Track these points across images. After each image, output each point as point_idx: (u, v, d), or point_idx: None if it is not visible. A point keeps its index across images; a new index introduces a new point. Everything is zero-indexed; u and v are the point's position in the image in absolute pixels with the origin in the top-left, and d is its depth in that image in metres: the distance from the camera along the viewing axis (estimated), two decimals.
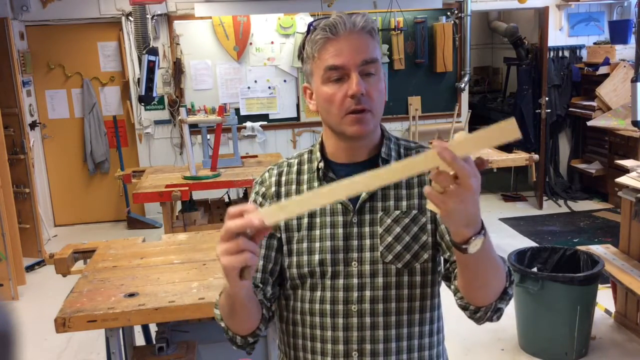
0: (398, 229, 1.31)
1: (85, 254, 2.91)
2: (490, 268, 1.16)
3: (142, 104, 4.86)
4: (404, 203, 1.32)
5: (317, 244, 1.33)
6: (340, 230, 1.32)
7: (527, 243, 5.23)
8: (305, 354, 1.37)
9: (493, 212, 6.24)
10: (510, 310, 3.67)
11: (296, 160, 1.42)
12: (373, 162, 1.33)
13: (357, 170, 1.31)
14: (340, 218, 1.33)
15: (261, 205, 1.40)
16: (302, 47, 1.34)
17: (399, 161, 1.04)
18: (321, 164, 1.35)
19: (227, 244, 1.03)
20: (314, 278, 1.33)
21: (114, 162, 6.37)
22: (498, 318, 1.27)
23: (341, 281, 1.32)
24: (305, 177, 1.38)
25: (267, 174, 1.43)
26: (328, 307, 1.32)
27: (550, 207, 6.44)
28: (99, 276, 2.48)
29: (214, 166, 4.49)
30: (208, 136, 4.82)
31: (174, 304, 2.20)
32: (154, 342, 2.44)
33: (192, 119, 4.52)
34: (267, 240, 1.37)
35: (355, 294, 1.31)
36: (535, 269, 3.52)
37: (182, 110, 4.47)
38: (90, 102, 6.26)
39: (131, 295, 2.27)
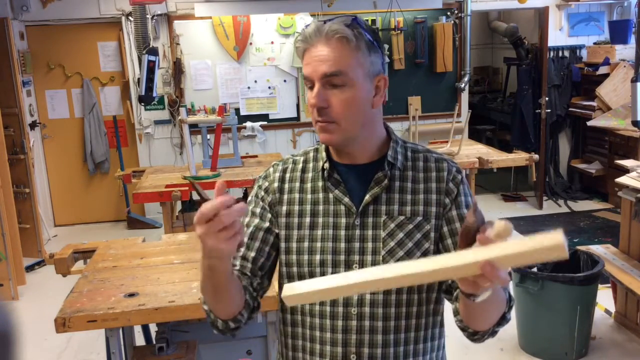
0: (401, 235, 1.30)
1: (85, 254, 2.91)
2: (494, 308, 1.21)
3: (142, 104, 4.86)
4: (409, 208, 1.31)
5: (319, 244, 1.33)
6: (343, 232, 1.32)
7: None
8: (304, 354, 1.37)
9: (493, 212, 6.24)
10: None
11: (302, 158, 1.42)
12: (379, 164, 1.33)
13: (362, 172, 1.32)
14: (343, 220, 1.32)
15: (263, 200, 1.40)
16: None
17: (432, 260, 0.99)
18: (326, 165, 1.35)
19: (217, 225, 1.01)
20: (312, 278, 1.33)
21: (114, 162, 6.37)
22: (494, 336, 1.31)
23: None
24: (310, 175, 1.38)
25: (271, 169, 1.43)
26: (328, 308, 1.32)
27: (550, 207, 6.44)
28: (99, 276, 2.48)
29: (214, 166, 4.49)
30: (208, 136, 4.82)
31: (174, 304, 2.20)
32: (154, 342, 2.44)
33: (192, 119, 4.52)
34: (264, 234, 1.37)
35: (355, 297, 1.30)
36: (535, 269, 3.52)
37: (182, 110, 4.47)
38: (90, 102, 6.26)
39: (131, 295, 2.27)
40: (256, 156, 5.22)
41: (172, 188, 4.10)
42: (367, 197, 1.31)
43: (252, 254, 1.36)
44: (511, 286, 3.62)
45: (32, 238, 5.44)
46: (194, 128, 5.06)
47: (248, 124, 6.31)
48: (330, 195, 1.34)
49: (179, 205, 4.44)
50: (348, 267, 1.31)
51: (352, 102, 1.26)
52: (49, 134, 6.31)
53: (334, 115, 1.26)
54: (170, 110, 6.23)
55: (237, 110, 6.23)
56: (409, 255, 1.30)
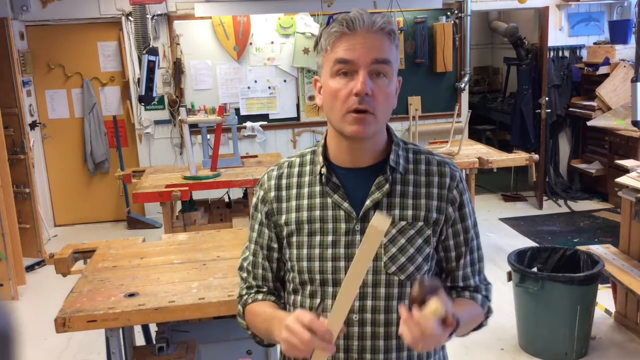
0: (403, 241, 1.29)
1: (85, 254, 2.91)
2: (463, 331, 1.32)
3: (142, 104, 4.86)
4: (410, 213, 1.29)
5: (317, 251, 1.30)
6: (342, 238, 1.29)
7: (527, 243, 5.23)
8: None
9: (493, 212, 6.24)
10: (510, 310, 3.66)
11: (298, 161, 1.39)
12: (379, 167, 1.30)
13: (362, 175, 1.30)
14: (343, 225, 1.29)
15: (261, 212, 1.39)
16: (319, 38, 1.31)
17: None
18: (324, 170, 1.31)
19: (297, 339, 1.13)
20: (313, 285, 1.32)
21: (114, 162, 6.37)
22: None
23: None
24: (307, 179, 1.35)
25: (265, 177, 1.40)
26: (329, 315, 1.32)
27: (550, 207, 6.44)
28: (99, 276, 2.48)
29: (214, 166, 4.49)
30: (208, 136, 4.82)
31: (174, 304, 2.20)
32: (154, 342, 2.43)
33: (192, 119, 4.52)
34: (276, 254, 1.39)
35: (357, 303, 1.29)
36: (535, 269, 3.52)
37: (182, 110, 4.47)
38: (90, 102, 6.26)
39: (131, 295, 2.27)
40: (256, 156, 5.22)
41: (172, 188, 4.10)
42: (367, 202, 1.28)
43: (270, 275, 1.41)
44: (511, 286, 3.62)
45: (32, 238, 5.44)
46: (194, 128, 5.06)
47: (248, 124, 6.31)
48: (329, 200, 1.31)
49: (179, 205, 4.44)
50: None
51: (389, 95, 1.26)
52: (49, 134, 6.31)
53: (375, 105, 1.23)
54: (170, 110, 6.23)
55: (237, 110, 6.23)
56: (410, 262, 1.29)
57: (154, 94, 4.56)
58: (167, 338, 2.40)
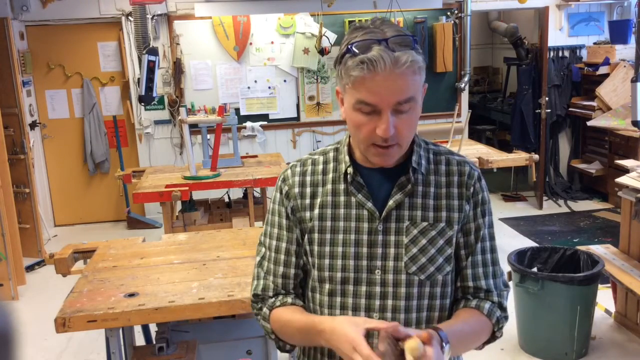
0: (424, 241, 1.29)
1: (85, 254, 2.91)
2: (465, 347, 1.31)
3: (142, 104, 4.85)
4: (431, 214, 1.31)
5: (340, 249, 1.31)
6: (365, 237, 1.30)
7: (527, 243, 5.23)
8: (322, 357, 1.37)
9: (493, 212, 6.22)
10: (510, 310, 3.66)
11: (321, 158, 1.39)
12: (402, 168, 1.31)
13: (386, 175, 1.31)
14: (366, 224, 1.30)
15: (285, 207, 1.38)
16: (338, 61, 1.24)
17: None
18: (350, 169, 1.32)
19: None
20: (332, 283, 1.32)
21: (114, 162, 6.37)
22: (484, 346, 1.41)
23: (364, 288, 1.30)
24: (330, 176, 1.36)
25: (289, 172, 1.40)
26: (350, 313, 1.31)
27: (550, 207, 6.44)
28: (99, 276, 2.48)
29: (214, 166, 4.49)
30: (208, 136, 4.82)
31: (174, 304, 2.20)
32: (154, 342, 2.43)
33: (192, 119, 4.52)
34: (297, 248, 1.37)
35: (377, 302, 1.30)
36: (535, 269, 3.52)
37: (182, 110, 4.47)
38: (90, 102, 6.26)
39: (131, 295, 2.27)
40: (256, 156, 5.22)
41: (172, 188, 4.10)
42: (390, 202, 1.29)
43: (292, 271, 1.39)
44: (511, 286, 3.63)
45: (32, 238, 5.44)
46: (194, 128, 5.06)
47: (248, 124, 6.32)
48: (353, 199, 1.32)
49: (179, 205, 4.44)
50: (370, 272, 1.30)
51: (414, 123, 1.25)
52: (49, 134, 6.31)
53: (399, 137, 1.22)
54: (170, 110, 6.23)
55: (237, 110, 6.23)
56: (431, 262, 1.29)
57: (154, 94, 4.55)
58: (167, 338, 2.40)
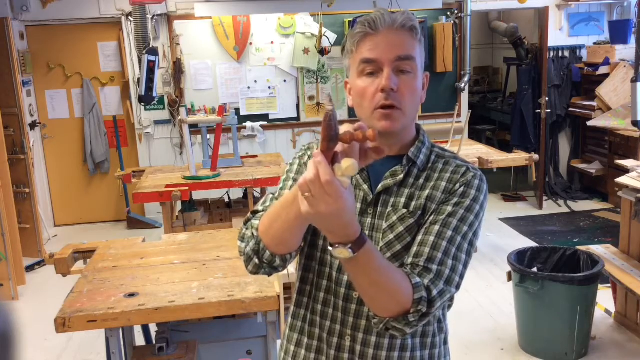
0: (401, 228, 1.30)
1: (85, 254, 2.91)
2: (368, 285, 1.16)
3: (142, 104, 4.86)
4: (414, 203, 1.32)
5: None
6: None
7: (527, 243, 5.23)
8: (311, 327, 1.40)
9: (493, 212, 6.24)
10: (510, 310, 3.67)
11: None
12: (399, 157, 1.34)
13: (385, 163, 1.32)
14: (359, 205, 1.34)
15: (301, 165, 1.42)
16: (345, 41, 1.36)
17: None
18: None
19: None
20: (317, 250, 1.37)
21: (114, 162, 6.37)
22: (402, 336, 1.26)
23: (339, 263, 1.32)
24: None
25: (314, 145, 1.43)
26: (325, 282, 1.36)
27: (550, 207, 6.44)
28: (99, 276, 2.48)
29: (214, 166, 4.49)
30: (208, 136, 4.82)
31: (174, 304, 2.20)
32: (154, 342, 2.44)
33: (192, 119, 4.52)
34: None
35: (349, 279, 1.32)
36: (535, 269, 3.52)
37: (182, 110, 4.47)
38: (90, 102, 6.26)
39: (131, 295, 2.27)
40: (256, 156, 5.22)
41: (172, 188, 4.10)
42: (379, 186, 1.33)
43: None
44: (511, 286, 3.62)
45: (32, 238, 5.44)
46: (194, 128, 5.06)
47: (248, 124, 6.31)
48: (353, 179, 1.35)
49: (179, 205, 4.44)
50: None
51: (415, 90, 1.30)
52: (49, 134, 6.31)
53: (401, 100, 1.27)
54: (170, 110, 6.23)
55: (237, 110, 6.23)
56: (406, 250, 1.30)
57: (154, 94, 4.56)
58: (167, 338, 2.40)
